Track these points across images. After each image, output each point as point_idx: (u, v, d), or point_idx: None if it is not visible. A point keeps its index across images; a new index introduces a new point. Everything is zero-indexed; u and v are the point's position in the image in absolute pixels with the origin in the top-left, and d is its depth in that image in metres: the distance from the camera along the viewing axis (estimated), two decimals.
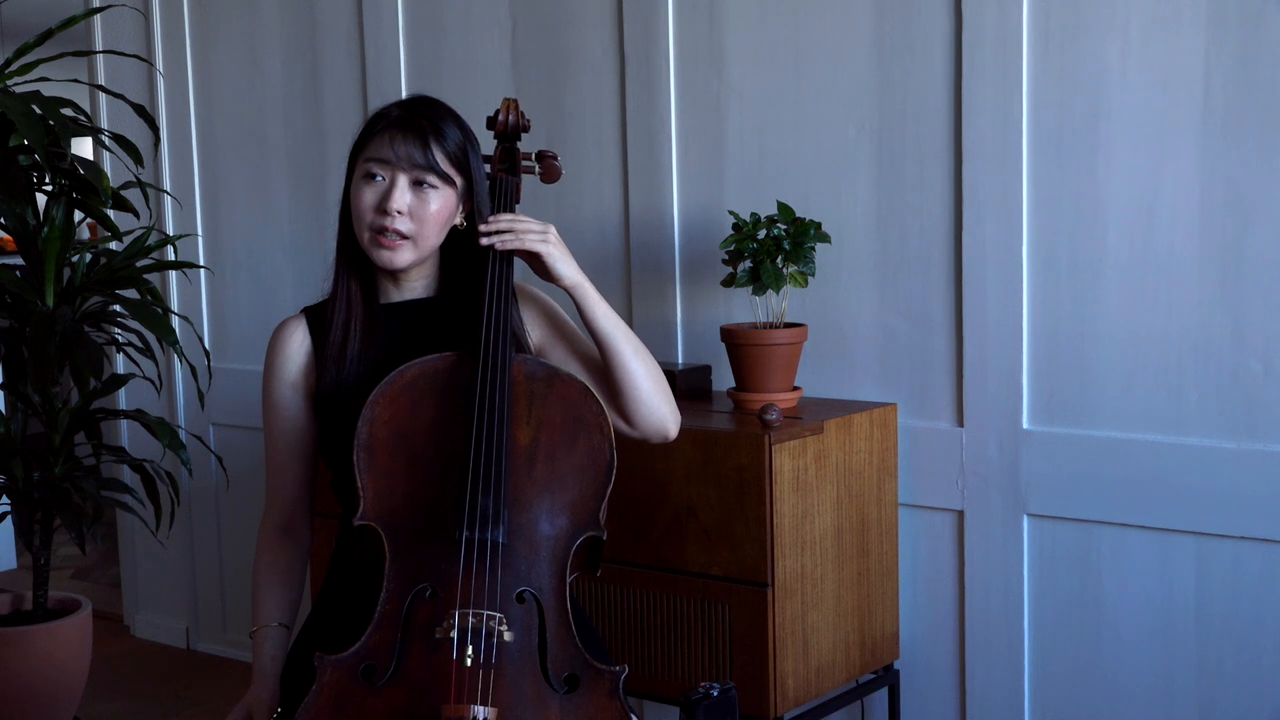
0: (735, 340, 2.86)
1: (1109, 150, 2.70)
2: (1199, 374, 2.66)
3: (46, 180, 3.24)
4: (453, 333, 2.16)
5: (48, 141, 3.03)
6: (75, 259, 3.34)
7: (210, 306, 4.19)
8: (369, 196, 2.14)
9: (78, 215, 3.31)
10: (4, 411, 3.39)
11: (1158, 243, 2.67)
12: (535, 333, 2.23)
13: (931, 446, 2.93)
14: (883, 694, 3.02)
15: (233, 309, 4.14)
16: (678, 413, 2.20)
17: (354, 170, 2.17)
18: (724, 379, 3.05)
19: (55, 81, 3.34)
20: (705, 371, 3.07)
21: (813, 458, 2.71)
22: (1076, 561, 2.82)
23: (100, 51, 3.70)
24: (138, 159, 3.32)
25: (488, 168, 2.22)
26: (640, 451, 2.55)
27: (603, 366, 2.17)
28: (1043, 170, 2.77)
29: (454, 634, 1.93)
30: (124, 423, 4.28)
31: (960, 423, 2.90)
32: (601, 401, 2.09)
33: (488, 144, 2.23)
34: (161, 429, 3.31)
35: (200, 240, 4.15)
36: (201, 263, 4.10)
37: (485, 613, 1.94)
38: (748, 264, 2.83)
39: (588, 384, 2.10)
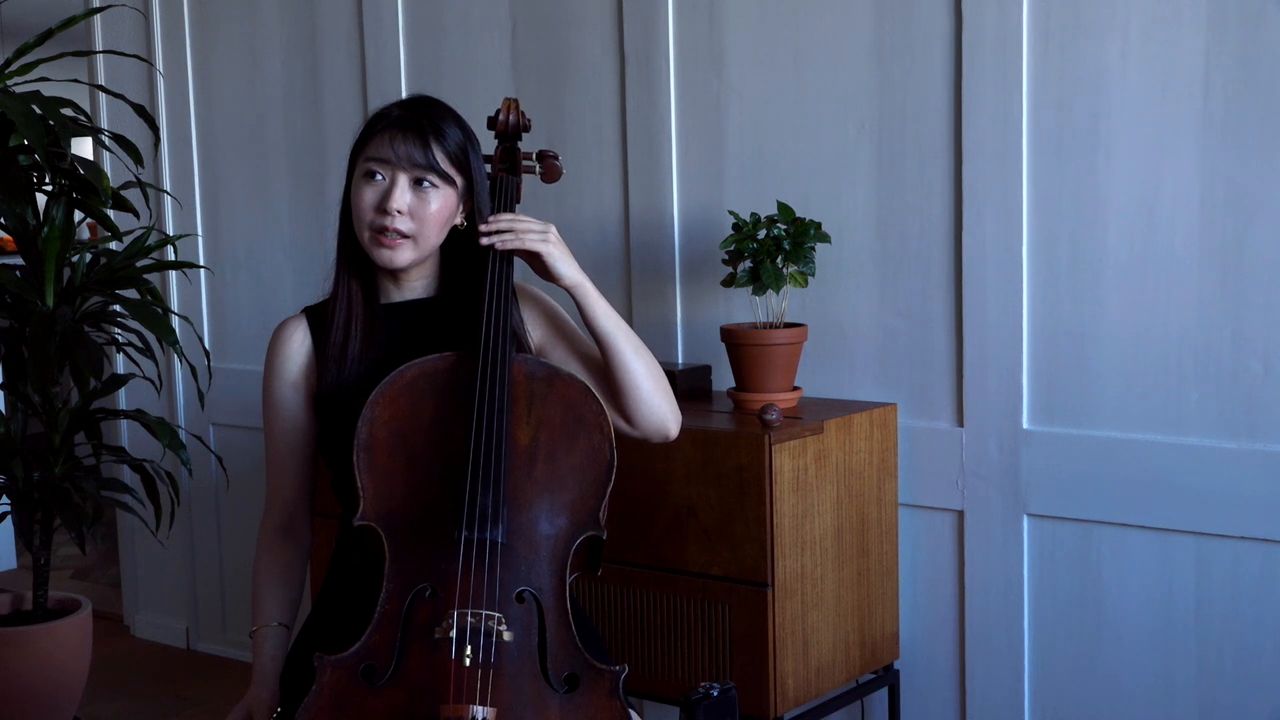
0: (735, 340, 2.86)
1: (1109, 150, 2.70)
2: (1199, 374, 2.66)
3: (46, 180, 3.23)
4: (453, 333, 2.16)
5: (48, 141, 3.03)
6: (75, 259, 3.33)
7: (210, 306, 4.19)
8: (369, 196, 2.14)
9: (78, 215, 3.30)
10: (4, 411, 3.39)
11: (1158, 242, 2.67)
12: (536, 332, 2.23)
13: (931, 446, 2.93)
14: (883, 694, 3.02)
15: (233, 309, 4.14)
16: (678, 412, 2.20)
17: (354, 170, 2.17)
18: (724, 379, 3.05)
19: (55, 81, 3.33)
20: (705, 371, 3.07)
21: (813, 458, 2.71)
22: (1076, 561, 2.82)
23: (100, 51, 3.70)
24: (138, 159, 3.32)
25: (488, 167, 2.22)
26: (640, 451, 2.55)
27: (603, 366, 2.17)
28: (1043, 170, 2.77)
29: (453, 634, 1.93)
30: (124, 423, 4.28)
31: (960, 423, 2.90)
32: (602, 401, 2.09)
33: (488, 144, 2.23)
34: (161, 429, 3.31)
35: (200, 240, 4.15)
36: (201, 263, 4.10)
37: (484, 612, 1.94)
38: (748, 264, 2.83)
39: (588, 384, 2.10)
